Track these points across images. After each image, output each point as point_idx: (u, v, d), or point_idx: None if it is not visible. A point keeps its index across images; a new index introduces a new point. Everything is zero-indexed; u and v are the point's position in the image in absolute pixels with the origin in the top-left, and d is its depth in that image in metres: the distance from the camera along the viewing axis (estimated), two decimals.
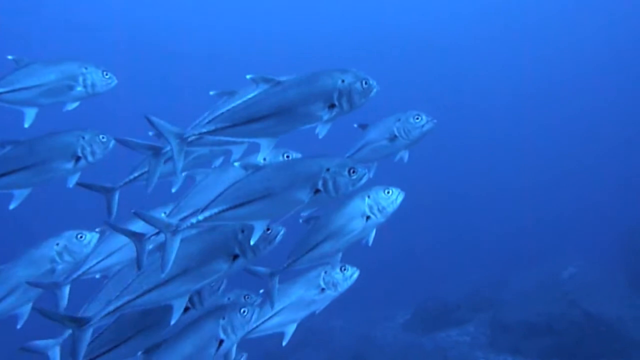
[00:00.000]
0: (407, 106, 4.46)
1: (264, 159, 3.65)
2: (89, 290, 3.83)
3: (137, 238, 3.34)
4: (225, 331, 3.48)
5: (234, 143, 3.54)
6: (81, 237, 4.01)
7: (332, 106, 3.30)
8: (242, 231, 3.36)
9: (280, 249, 3.58)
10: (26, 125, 3.77)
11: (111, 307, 3.24)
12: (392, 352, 11.38)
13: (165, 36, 35.96)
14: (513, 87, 33.83)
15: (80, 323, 3.19)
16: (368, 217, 3.80)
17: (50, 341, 3.68)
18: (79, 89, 3.85)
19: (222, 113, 3.32)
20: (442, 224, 20.91)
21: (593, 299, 10.12)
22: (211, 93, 3.83)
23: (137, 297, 3.27)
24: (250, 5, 37.27)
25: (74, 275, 3.96)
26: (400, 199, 3.85)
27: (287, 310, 4.07)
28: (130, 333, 3.56)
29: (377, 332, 12.57)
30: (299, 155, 3.88)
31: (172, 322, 3.36)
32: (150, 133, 3.82)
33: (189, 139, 3.28)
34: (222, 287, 3.85)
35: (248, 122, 3.27)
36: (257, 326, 3.98)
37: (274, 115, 3.27)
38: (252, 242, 3.28)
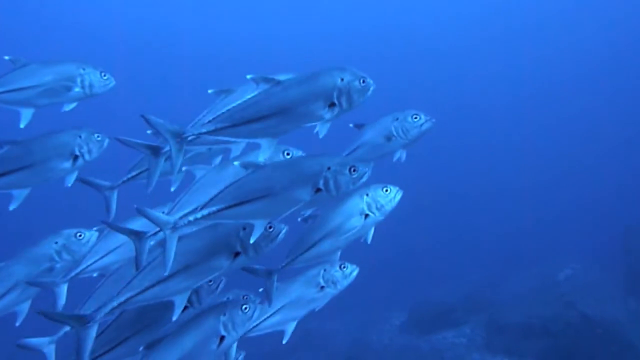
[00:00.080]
0: (407, 106, 4.45)
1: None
2: (85, 289, 3.84)
3: (136, 236, 3.34)
4: (226, 327, 3.48)
5: (234, 142, 3.55)
6: (80, 235, 4.03)
7: (332, 105, 3.32)
8: (244, 228, 3.36)
9: (279, 248, 3.58)
10: (22, 126, 3.76)
11: (114, 303, 3.25)
12: (388, 354, 11.40)
13: (164, 37, 35.95)
14: (513, 87, 33.79)
15: (84, 321, 3.19)
16: (367, 215, 3.80)
17: (45, 339, 3.69)
18: (77, 89, 3.85)
19: (222, 113, 3.31)
20: (439, 225, 20.88)
21: (589, 300, 10.13)
22: (209, 91, 3.84)
23: (139, 293, 3.27)
24: (249, 5, 37.26)
25: (72, 274, 3.96)
26: (398, 197, 3.86)
27: (287, 309, 4.07)
28: (129, 333, 3.56)
29: (373, 334, 12.57)
30: (300, 153, 3.88)
31: (174, 318, 3.37)
32: (149, 131, 3.82)
33: (188, 139, 3.28)
34: (221, 286, 3.84)
35: (248, 122, 3.27)
36: (257, 324, 3.98)
37: (275, 115, 3.27)
38: (251, 241, 3.28)
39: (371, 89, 3.39)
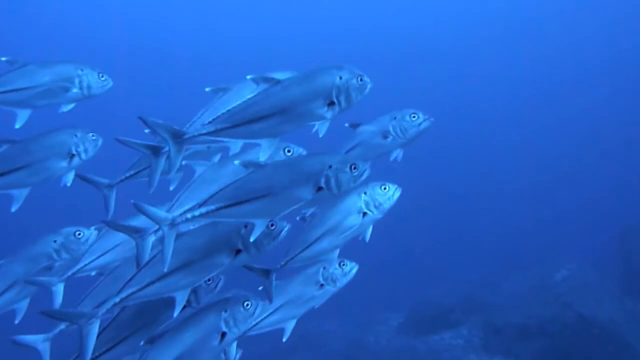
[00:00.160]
0: (407, 106, 4.42)
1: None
2: (83, 288, 3.84)
3: (137, 234, 3.33)
4: (227, 324, 3.48)
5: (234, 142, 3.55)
6: (79, 234, 4.04)
7: (331, 104, 3.33)
8: (246, 226, 3.36)
9: (278, 247, 3.59)
10: (17, 126, 3.75)
11: (116, 299, 3.26)
12: (386, 355, 11.41)
13: (162, 37, 35.92)
14: (513, 87, 33.80)
15: (87, 318, 3.20)
16: (365, 214, 3.80)
17: (40, 336, 3.70)
18: (75, 90, 3.83)
19: (222, 114, 3.30)
20: (438, 225, 20.91)
21: (586, 301, 10.16)
22: (207, 89, 3.85)
23: (140, 289, 3.28)
24: (248, 6, 37.24)
25: (70, 273, 3.96)
26: (397, 194, 3.85)
27: (287, 307, 4.07)
28: (128, 332, 3.56)
29: (371, 335, 12.57)
30: (301, 149, 3.88)
31: (175, 314, 3.38)
32: (147, 131, 3.82)
33: (187, 139, 3.27)
34: (219, 285, 3.83)
35: (248, 122, 3.27)
36: (256, 323, 3.98)
37: (275, 115, 3.27)
38: (251, 240, 3.28)
39: (369, 87, 3.40)
